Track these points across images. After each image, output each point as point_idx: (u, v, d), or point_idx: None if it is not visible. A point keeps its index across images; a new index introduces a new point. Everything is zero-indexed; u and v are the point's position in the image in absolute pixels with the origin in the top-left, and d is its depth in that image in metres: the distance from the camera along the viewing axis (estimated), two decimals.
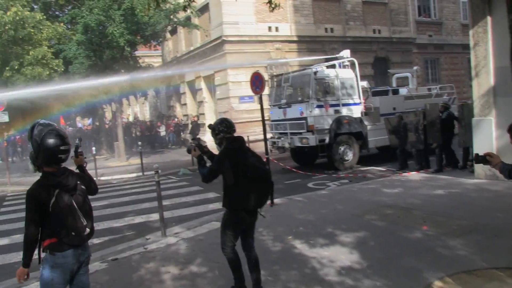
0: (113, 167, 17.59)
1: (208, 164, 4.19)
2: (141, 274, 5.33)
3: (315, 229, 6.62)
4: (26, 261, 2.99)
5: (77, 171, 3.36)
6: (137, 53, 21.71)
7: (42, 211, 2.92)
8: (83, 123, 37.07)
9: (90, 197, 3.27)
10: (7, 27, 14.52)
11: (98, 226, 8.19)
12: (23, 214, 3.00)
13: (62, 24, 17.69)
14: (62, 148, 3.01)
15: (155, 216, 8.10)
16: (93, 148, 16.12)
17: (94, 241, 7.25)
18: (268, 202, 4.39)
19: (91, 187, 3.33)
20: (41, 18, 15.68)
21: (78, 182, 3.14)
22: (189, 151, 4.32)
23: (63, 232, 2.95)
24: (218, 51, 20.99)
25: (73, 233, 2.98)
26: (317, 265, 5.09)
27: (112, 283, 5.11)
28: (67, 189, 3.02)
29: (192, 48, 24.25)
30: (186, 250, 6.19)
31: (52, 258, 2.96)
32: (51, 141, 2.97)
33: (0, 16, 14.11)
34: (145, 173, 15.12)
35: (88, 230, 3.10)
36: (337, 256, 5.34)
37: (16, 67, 14.99)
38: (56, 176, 3.02)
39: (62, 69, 16.91)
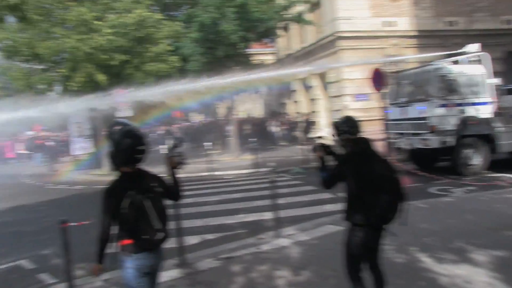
0: (225, 163, 17.94)
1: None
2: (253, 276, 5.10)
3: (441, 241, 5.82)
4: (98, 258, 3.01)
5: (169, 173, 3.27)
6: (251, 50, 21.93)
7: (116, 211, 2.90)
8: (197, 118, 38.89)
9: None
10: (131, 28, 15.47)
11: (210, 222, 8.27)
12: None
13: (179, 23, 18.46)
14: (138, 148, 3.02)
15: (267, 215, 7.85)
16: (207, 144, 16.54)
17: (208, 236, 7.25)
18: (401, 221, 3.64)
19: (172, 191, 3.25)
20: (160, 18, 16.49)
21: (155, 184, 3.08)
22: (314, 150, 3.90)
23: (136, 235, 2.94)
24: (331, 47, 20.36)
25: (145, 237, 2.95)
26: (450, 286, 4.37)
27: (225, 284, 4.92)
28: (142, 190, 2.97)
29: (304, 45, 23.89)
30: (300, 254, 5.82)
31: (129, 259, 2.98)
32: (128, 140, 2.98)
33: (124, 18, 15.09)
34: (258, 169, 15.10)
35: (161, 234, 3.03)
36: (473, 277, 4.56)
37: (137, 64, 15.93)
38: (131, 176, 3.02)
39: (179, 65, 17.63)
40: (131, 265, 2.98)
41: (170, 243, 6.63)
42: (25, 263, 6.45)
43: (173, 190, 3.26)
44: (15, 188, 16.28)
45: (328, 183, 3.68)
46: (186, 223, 5.90)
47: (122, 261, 3.04)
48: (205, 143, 18.11)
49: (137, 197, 2.92)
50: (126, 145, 2.98)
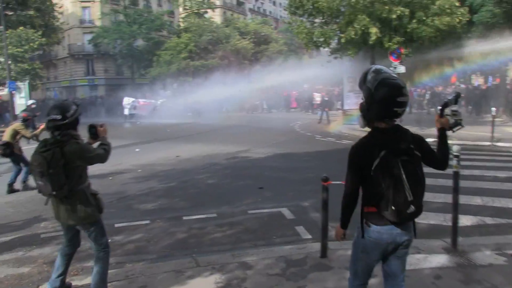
0: (511, 134, 15.01)
1: None
2: None
3: None
4: (342, 222, 2.78)
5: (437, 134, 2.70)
6: None
7: (364, 173, 2.52)
8: (480, 81, 34.27)
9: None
10: None
11: (490, 202, 6.80)
12: None
13: None
14: (399, 99, 2.46)
15: None
16: (492, 109, 14.02)
17: (487, 220, 5.93)
18: None
19: (438, 157, 2.65)
20: None
21: (412, 146, 2.51)
22: None
23: (383, 203, 2.46)
24: None
25: (393, 207, 2.44)
26: None
27: None
28: (396, 152, 2.45)
29: None
30: None
31: (367, 229, 2.61)
32: (386, 90, 2.47)
33: None
34: None
35: (413, 208, 2.45)
36: None
37: (423, 18, 14.53)
38: (387, 134, 2.54)
39: (468, 18, 15.31)
40: (368, 237, 2.61)
41: (441, 219, 5.87)
42: (285, 212, 6.56)
43: (440, 156, 2.66)
44: (289, 135, 17.63)
45: None
46: (461, 199, 4.79)
47: (359, 229, 2.67)
48: (489, 109, 15.49)
49: (390, 159, 2.44)
50: (382, 95, 2.47)
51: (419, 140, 2.61)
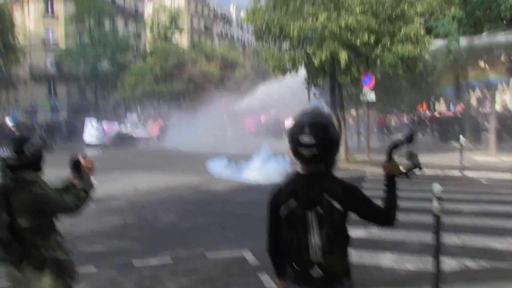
0: (480, 162, 14.96)
1: None
2: None
3: None
4: (276, 272, 2.36)
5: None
6: None
7: (276, 220, 2.19)
8: (439, 109, 34.98)
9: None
10: (385, 6, 14.22)
11: (469, 241, 6.34)
12: None
13: None
14: (301, 139, 2.06)
15: None
16: (461, 138, 13.92)
17: (468, 263, 5.45)
18: None
19: (373, 212, 2.12)
20: None
21: (328, 197, 2.02)
22: None
23: (290, 258, 2.15)
24: None
25: (295, 266, 2.11)
26: None
27: None
28: (305, 201, 2.06)
29: None
30: None
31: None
32: (292, 128, 2.14)
33: None
34: None
35: (318, 271, 2.03)
36: None
37: (388, 45, 14.48)
38: (299, 180, 2.14)
39: (433, 47, 15.40)
40: None
41: (419, 264, 5.39)
42: (248, 256, 5.89)
43: (385, 210, 2.12)
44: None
45: None
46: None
47: None
48: (456, 137, 15.48)
49: (296, 208, 2.08)
50: (289, 132, 2.15)
51: (348, 191, 2.09)
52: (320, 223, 2.02)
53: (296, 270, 2.12)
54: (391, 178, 2.14)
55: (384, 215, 2.12)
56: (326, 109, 2.22)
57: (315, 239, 2.03)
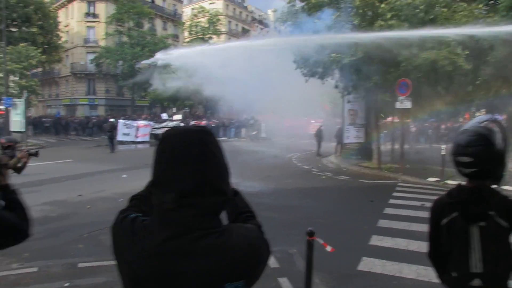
0: None
1: None
2: None
3: None
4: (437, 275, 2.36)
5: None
6: None
7: (438, 230, 2.19)
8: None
9: None
10: (417, 10, 13.88)
11: None
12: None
13: (479, 6, 15.48)
14: (459, 159, 2.11)
15: None
16: None
17: None
18: None
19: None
20: None
21: (493, 214, 2.02)
22: None
23: (449, 267, 2.15)
24: None
25: (454, 274, 2.12)
26: None
27: None
28: (465, 216, 2.07)
29: None
30: None
31: None
32: (452, 148, 2.17)
33: None
34: None
35: (477, 281, 2.02)
36: None
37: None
38: (463, 194, 2.11)
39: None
40: None
41: None
42: (270, 260, 5.87)
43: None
44: (285, 169, 16.52)
45: None
46: None
47: None
48: None
49: (459, 221, 2.11)
50: (450, 154, 2.19)
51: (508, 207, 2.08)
52: (483, 238, 2.04)
53: (455, 279, 2.13)
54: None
55: None
56: (489, 123, 2.21)
57: (476, 252, 2.04)
